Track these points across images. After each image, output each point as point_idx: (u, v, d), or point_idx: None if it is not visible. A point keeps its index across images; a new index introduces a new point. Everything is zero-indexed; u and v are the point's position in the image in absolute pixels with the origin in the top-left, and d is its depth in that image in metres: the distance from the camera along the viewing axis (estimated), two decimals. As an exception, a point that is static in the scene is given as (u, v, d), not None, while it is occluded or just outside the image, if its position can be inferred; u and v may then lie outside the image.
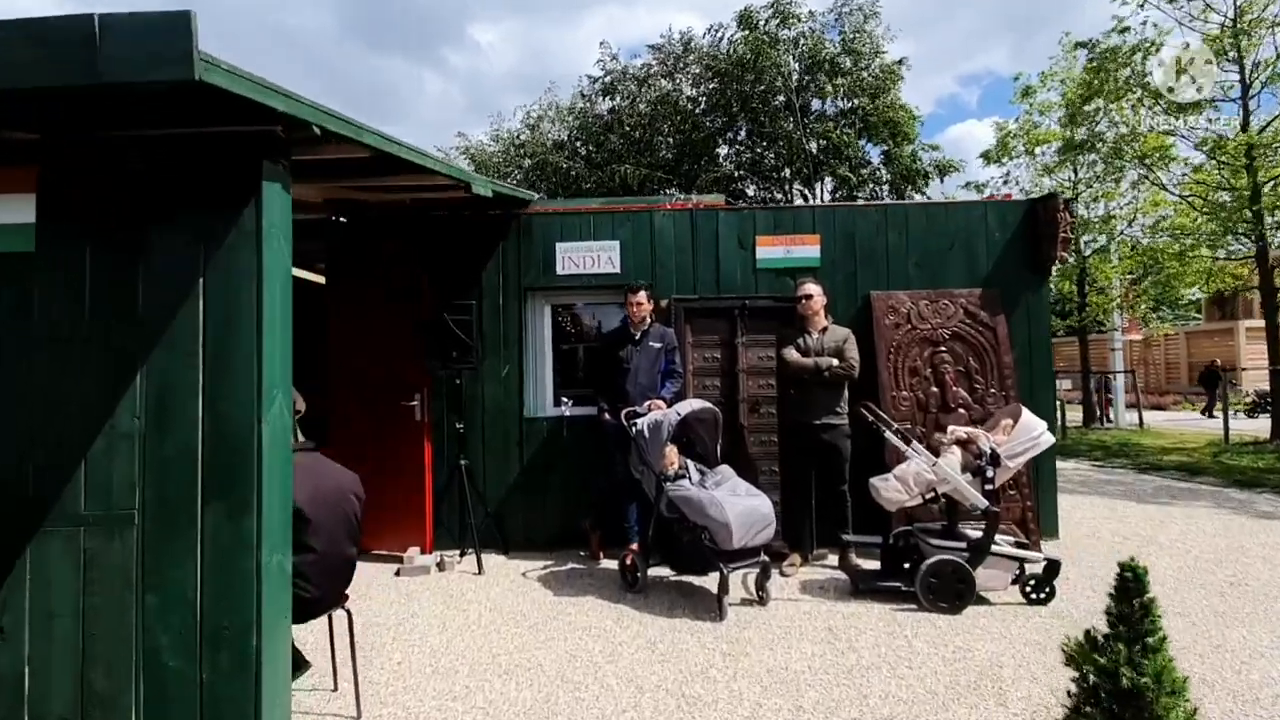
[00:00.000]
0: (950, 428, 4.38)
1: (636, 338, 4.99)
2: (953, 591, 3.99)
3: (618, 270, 5.44)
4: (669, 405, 4.83)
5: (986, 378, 5.26)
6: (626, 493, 4.92)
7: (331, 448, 5.71)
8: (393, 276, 5.32)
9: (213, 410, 1.99)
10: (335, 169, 3.43)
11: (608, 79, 19.08)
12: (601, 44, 19.74)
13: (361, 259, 5.51)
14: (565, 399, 5.45)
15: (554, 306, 5.73)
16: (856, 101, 17.49)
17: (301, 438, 2.90)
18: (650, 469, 4.25)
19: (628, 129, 18.67)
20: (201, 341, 2.00)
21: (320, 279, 6.59)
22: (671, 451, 4.34)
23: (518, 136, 20.47)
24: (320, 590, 2.74)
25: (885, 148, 17.92)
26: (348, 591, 3.08)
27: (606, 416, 4.96)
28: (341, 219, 5.65)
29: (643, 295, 4.94)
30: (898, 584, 4.19)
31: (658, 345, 4.99)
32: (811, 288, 4.75)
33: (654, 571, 4.49)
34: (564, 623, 3.92)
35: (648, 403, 4.77)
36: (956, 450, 4.19)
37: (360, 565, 5.43)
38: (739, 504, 3.95)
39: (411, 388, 5.15)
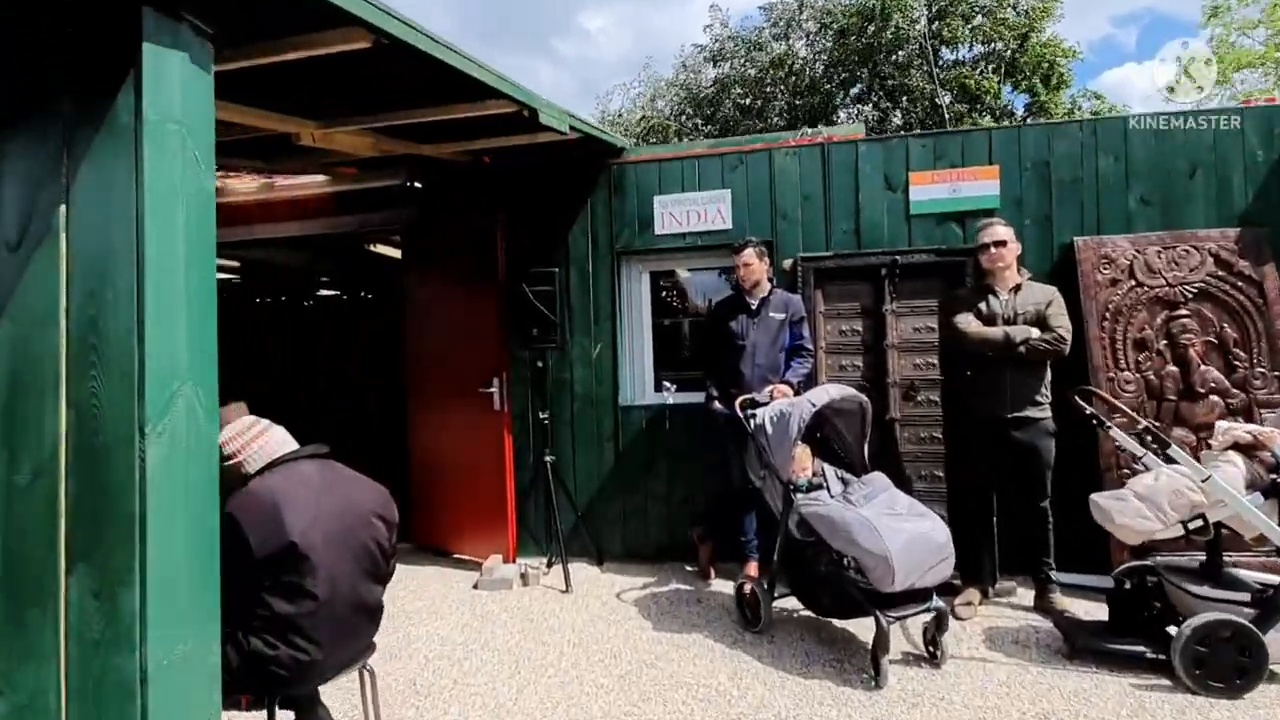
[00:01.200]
0: (1222, 425, 3.02)
1: (753, 307, 3.96)
2: (1232, 667, 2.69)
3: (729, 226, 4.41)
4: (797, 391, 3.79)
5: (1250, 351, 3.76)
6: (742, 499, 3.94)
7: (410, 441, 5.19)
8: (464, 242, 4.62)
9: (78, 416, 1.25)
10: (349, 82, 2.68)
11: (716, 45, 17.82)
12: (712, 7, 18.34)
13: (433, 225, 4.87)
14: (667, 384, 4.53)
15: (653, 274, 4.80)
16: (998, 45, 15.14)
17: (273, 445, 2.15)
18: (775, 474, 3.25)
19: (737, 96, 17.34)
20: (64, 306, 1.26)
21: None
22: (803, 453, 3.30)
23: (619, 114, 19.59)
24: (324, 650, 2.00)
25: (1031, 96, 15.42)
26: (375, 640, 2.35)
27: (717, 405, 3.99)
28: (416, 184, 5.03)
29: (750, 254, 3.90)
30: (1139, 648, 2.93)
31: (780, 316, 3.94)
32: (1001, 230, 3.49)
33: (781, 603, 3.49)
34: (664, 674, 3.03)
35: (769, 388, 3.75)
36: (1236, 459, 2.85)
37: (439, 571, 4.89)
38: (903, 529, 2.86)
39: (489, 372, 4.43)
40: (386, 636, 3.56)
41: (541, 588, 4.17)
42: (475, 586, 4.21)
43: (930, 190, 4.15)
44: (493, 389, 4.40)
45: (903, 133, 5.01)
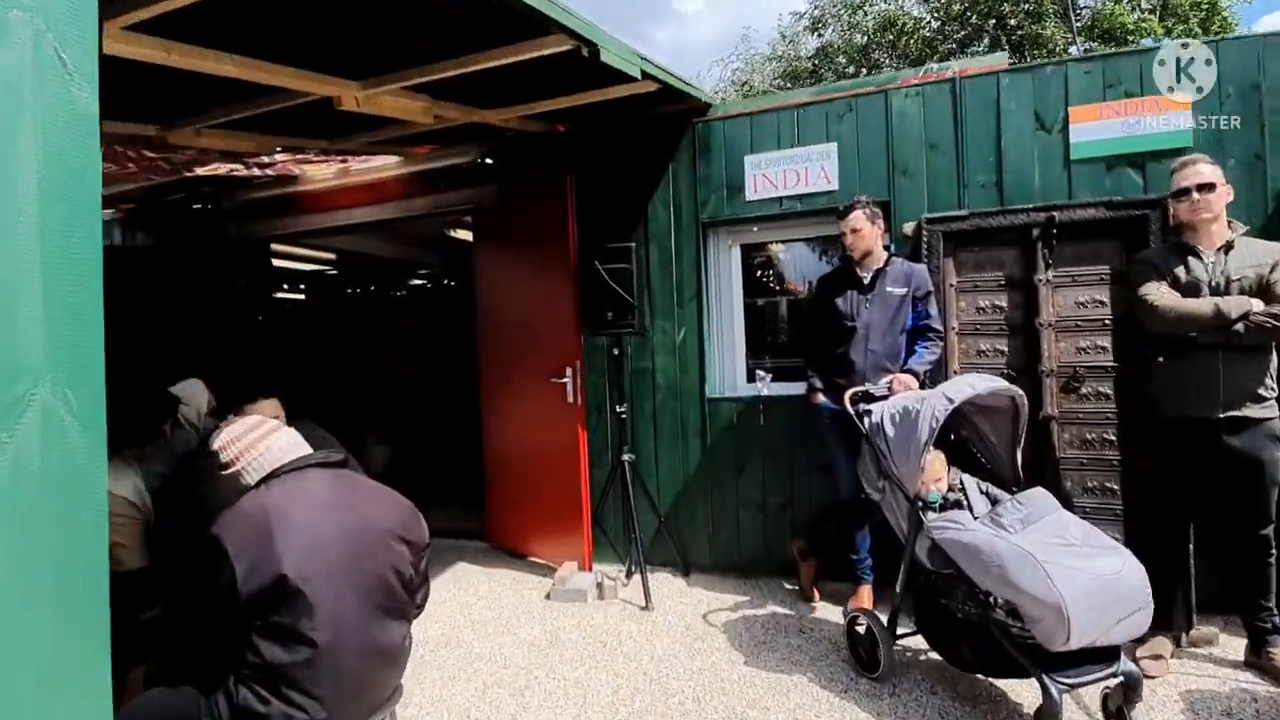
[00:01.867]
0: None
1: (865, 281, 3.30)
2: None
3: (835, 186, 3.74)
4: (923, 383, 3.11)
5: None
6: (853, 511, 3.32)
7: (485, 435, 4.88)
8: (534, 219, 4.22)
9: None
10: (376, 25, 2.28)
11: (816, 11, 16.62)
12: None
13: (504, 203, 4.51)
14: (762, 373, 3.94)
15: (745, 247, 4.19)
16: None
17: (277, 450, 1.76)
18: (898, 487, 2.60)
19: (840, 66, 16.10)
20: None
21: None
22: (937, 461, 2.63)
23: (714, 90, 18.75)
24: (327, 707, 1.61)
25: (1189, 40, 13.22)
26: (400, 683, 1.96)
27: (820, 398, 3.37)
28: (487, 160, 4.69)
29: (859, 216, 3.22)
30: None
31: (900, 291, 3.25)
32: (1207, 170, 2.64)
33: (906, 639, 2.85)
34: (758, 729, 2.49)
35: (887, 379, 3.09)
36: None
37: (513, 576, 4.49)
38: (1081, 568, 2.15)
39: (561, 361, 4.01)
40: (452, 651, 3.24)
41: (619, 602, 3.72)
42: (548, 596, 3.82)
43: (1098, 128, 3.29)
44: (565, 379, 3.98)
45: (1060, 57, 4.06)
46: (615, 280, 3.75)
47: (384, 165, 4.97)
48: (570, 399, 3.98)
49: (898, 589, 2.65)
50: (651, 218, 4.11)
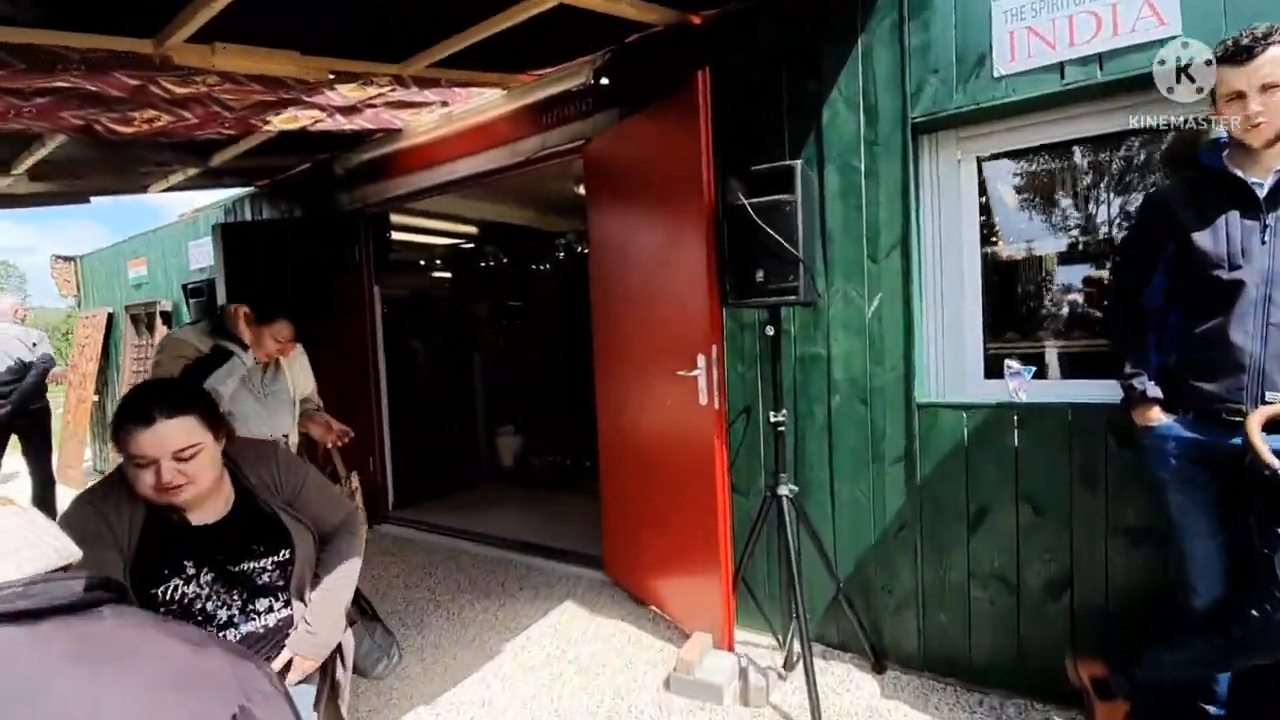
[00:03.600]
0: None
1: (1264, 192, 1.68)
2: None
3: (1174, 30, 2.07)
4: None
5: None
6: (1220, 637, 1.75)
7: (602, 450, 3.72)
8: (654, 144, 3.01)
9: None
10: None
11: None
12: None
13: (620, 130, 3.35)
14: (1014, 365, 2.41)
15: (983, 161, 2.63)
16: None
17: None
18: None
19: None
20: None
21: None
22: None
23: None
24: None
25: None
26: None
27: (1158, 415, 1.83)
28: (603, 80, 3.57)
29: (1274, 58, 1.59)
30: None
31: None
32: None
33: None
34: None
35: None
36: None
37: (630, 635, 2.89)
38: None
39: (691, 344, 2.76)
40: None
41: (771, 712, 2.44)
42: (667, 684, 2.64)
43: None
44: (697, 371, 2.73)
45: None
46: (769, 221, 2.41)
47: (487, 103, 4.03)
48: (703, 400, 2.72)
49: None
50: (828, 125, 2.69)
